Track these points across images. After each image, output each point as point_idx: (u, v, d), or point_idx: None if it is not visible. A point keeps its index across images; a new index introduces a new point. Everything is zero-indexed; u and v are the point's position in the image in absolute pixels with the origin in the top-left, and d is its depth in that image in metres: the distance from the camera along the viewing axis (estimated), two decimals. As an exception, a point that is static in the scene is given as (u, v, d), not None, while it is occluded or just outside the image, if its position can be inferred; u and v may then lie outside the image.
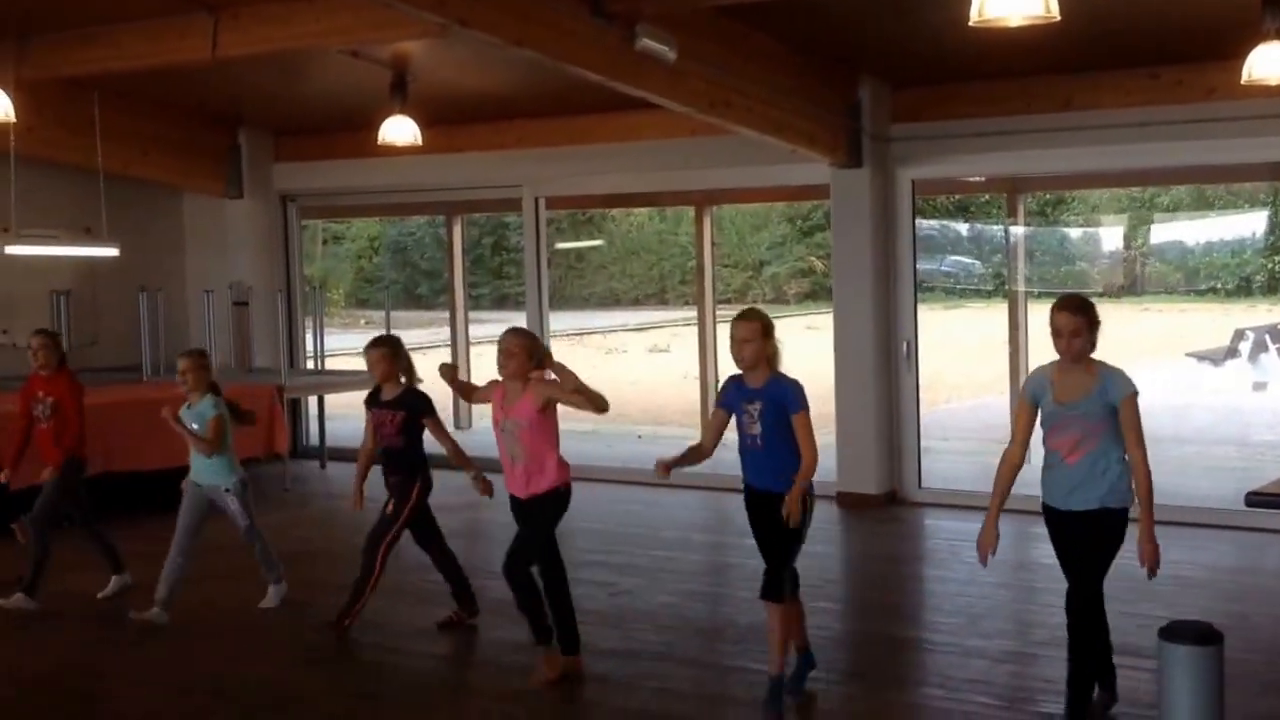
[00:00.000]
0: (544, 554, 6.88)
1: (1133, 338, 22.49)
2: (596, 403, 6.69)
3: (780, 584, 6.14)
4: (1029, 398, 5.79)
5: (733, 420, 6.22)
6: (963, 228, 27.81)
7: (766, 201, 22.24)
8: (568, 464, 6.87)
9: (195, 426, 7.88)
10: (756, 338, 6.02)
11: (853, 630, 7.95)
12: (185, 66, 10.28)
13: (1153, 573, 5.61)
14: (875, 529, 10.32)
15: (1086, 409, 5.61)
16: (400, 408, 7.58)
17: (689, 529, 10.78)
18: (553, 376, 6.75)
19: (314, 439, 14.36)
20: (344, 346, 20.36)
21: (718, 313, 15.05)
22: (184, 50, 9.79)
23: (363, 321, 29.94)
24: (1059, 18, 5.65)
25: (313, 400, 14.29)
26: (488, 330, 22.37)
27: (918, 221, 11.46)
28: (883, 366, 11.27)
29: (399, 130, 11.12)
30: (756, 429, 6.06)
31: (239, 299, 14.25)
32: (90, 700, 6.91)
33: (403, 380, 7.68)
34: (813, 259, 28.36)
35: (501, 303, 27.90)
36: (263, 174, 14.29)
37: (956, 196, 22.69)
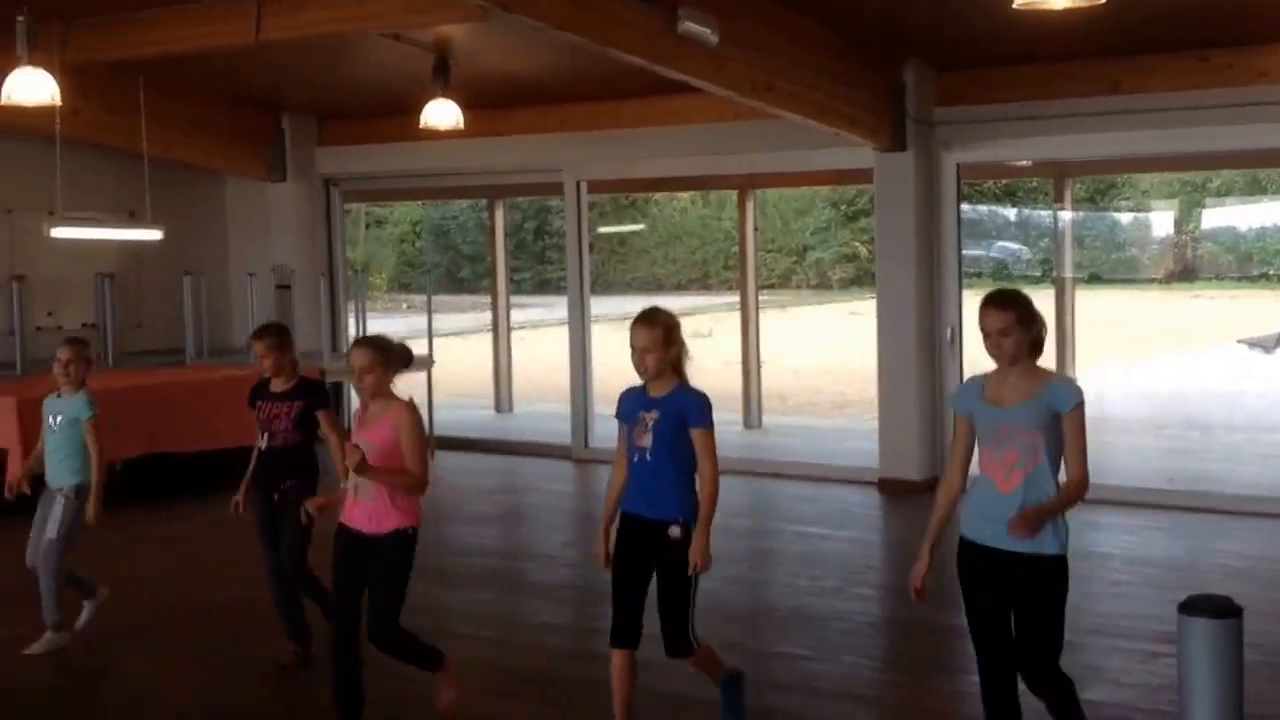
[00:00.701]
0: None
1: (1184, 324, 22.28)
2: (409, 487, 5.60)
3: (688, 634, 5.37)
4: (958, 409, 4.99)
5: None
6: (1010, 213, 27.63)
7: (810, 185, 22.16)
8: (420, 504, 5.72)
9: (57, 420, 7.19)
10: (657, 346, 5.23)
11: (894, 617, 7.90)
12: (229, 50, 10.30)
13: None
14: (917, 515, 10.21)
15: (1027, 414, 4.72)
16: (297, 398, 6.78)
17: (730, 515, 10.69)
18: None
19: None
20: (387, 331, 20.46)
21: (760, 298, 15.06)
22: (228, 34, 9.80)
23: (405, 305, 30.06)
24: (1103, 0, 5.58)
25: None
26: (529, 315, 22.51)
27: (964, 206, 11.37)
28: (926, 352, 11.20)
29: (441, 114, 11.13)
30: (646, 440, 5.24)
31: (281, 282, 14.32)
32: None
33: (296, 370, 6.90)
34: (857, 244, 28.22)
35: (543, 287, 27.89)
36: (305, 158, 14.33)
37: (1004, 181, 22.51)
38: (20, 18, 8.85)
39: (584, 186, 13.19)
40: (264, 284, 14.09)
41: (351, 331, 14.64)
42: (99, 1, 10.01)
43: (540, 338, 18.03)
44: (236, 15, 9.62)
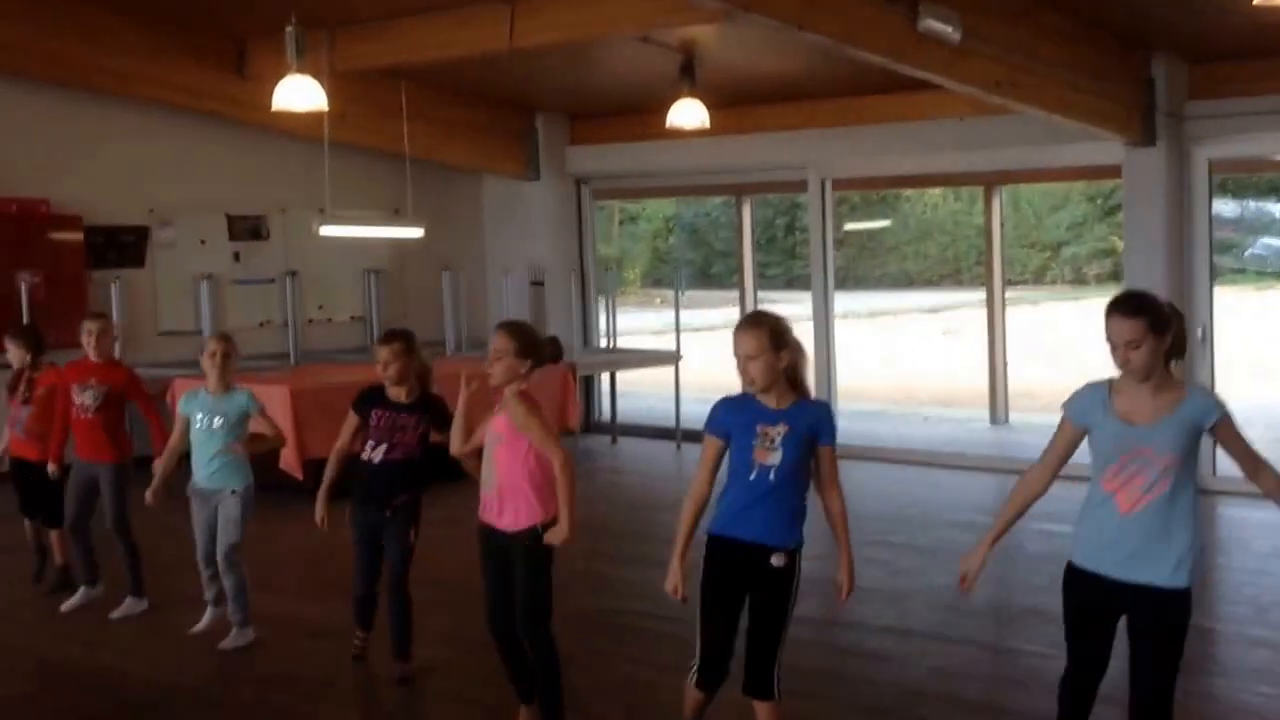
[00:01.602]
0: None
1: None
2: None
3: (773, 675, 4.82)
4: (1074, 417, 4.50)
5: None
6: (1277, 208, 26.43)
7: (1057, 181, 21.67)
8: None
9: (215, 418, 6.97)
10: (764, 351, 4.67)
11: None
12: (485, 55, 10.71)
13: None
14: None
15: (1163, 434, 4.29)
16: (422, 411, 6.41)
17: (973, 511, 10.66)
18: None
19: (605, 415, 14.77)
20: (639, 326, 20.85)
21: (1008, 295, 14.86)
22: (483, 40, 10.20)
23: (657, 300, 30.50)
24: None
25: (605, 377, 14.70)
26: (779, 311, 22.55)
27: (1227, 201, 11.02)
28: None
29: (687, 113, 11.33)
30: (774, 458, 4.67)
31: (535, 279, 14.78)
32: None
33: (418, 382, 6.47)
34: (1114, 238, 27.43)
35: (793, 283, 27.97)
36: (557, 157, 14.75)
37: (1268, 176, 21.60)
38: (290, 28, 9.35)
39: (828, 184, 13.23)
40: (518, 280, 14.56)
41: (603, 326, 15.02)
42: (361, 11, 10.55)
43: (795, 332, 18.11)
44: (490, 20, 10.01)
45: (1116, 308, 4.31)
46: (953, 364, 19.33)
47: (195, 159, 12.96)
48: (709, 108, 11.40)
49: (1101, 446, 4.41)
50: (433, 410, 6.38)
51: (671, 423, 13.65)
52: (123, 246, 12.63)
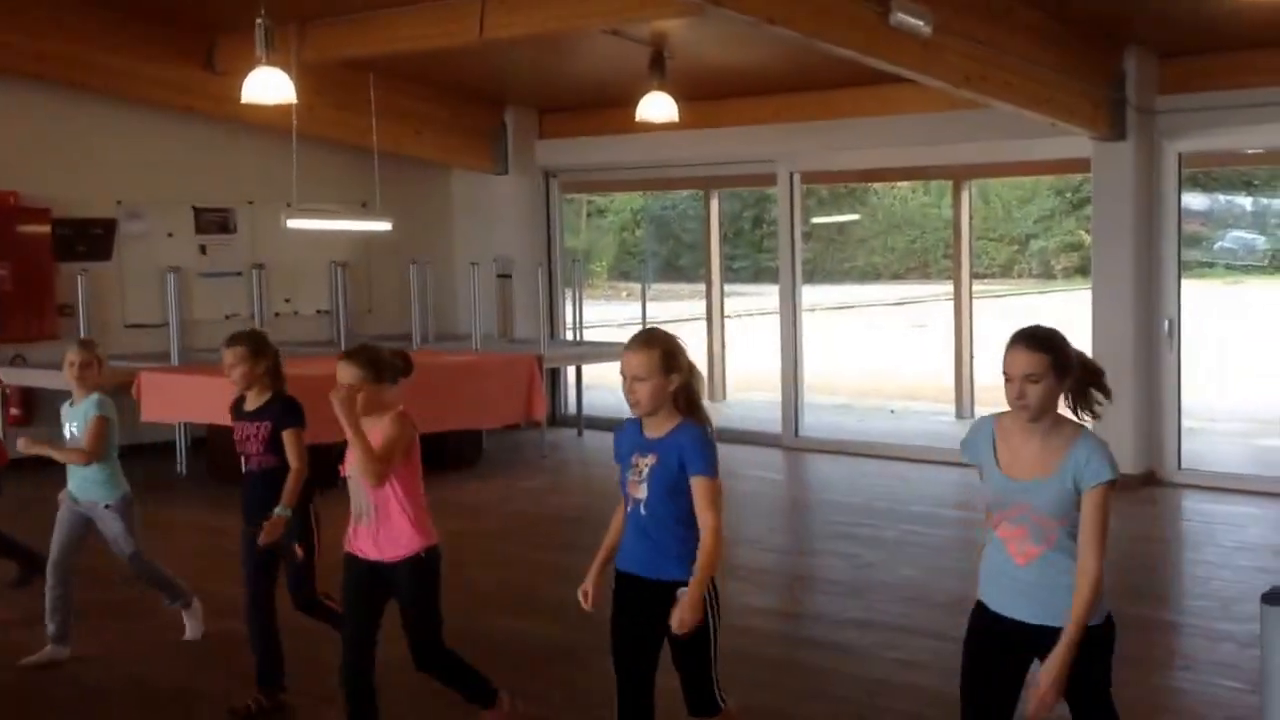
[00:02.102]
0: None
1: None
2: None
3: (714, 694, 4.51)
4: (969, 458, 4.19)
5: None
6: (1246, 201, 26.62)
7: (1026, 175, 21.76)
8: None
9: (75, 426, 6.65)
10: (653, 374, 4.31)
11: (1130, 613, 7.79)
12: (454, 48, 10.68)
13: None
14: (1131, 510, 10.07)
15: (1042, 497, 3.95)
16: (266, 417, 5.94)
17: (939, 504, 10.73)
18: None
19: (571, 407, 14.78)
20: (605, 318, 20.87)
21: (974, 288, 14.94)
22: (453, 33, 10.18)
23: (624, 294, 30.51)
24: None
25: (570, 370, 14.70)
26: (746, 304, 22.65)
27: (1196, 194, 11.08)
28: (1143, 344, 10.97)
29: (657, 107, 11.34)
30: (641, 491, 4.36)
31: (503, 271, 14.78)
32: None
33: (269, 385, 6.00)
34: (1081, 232, 27.62)
35: (760, 275, 28.04)
36: (526, 150, 14.73)
37: (1241, 169, 21.77)
38: (259, 20, 9.29)
39: (797, 177, 13.25)
40: (486, 273, 14.54)
41: (569, 319, 15.01)
42: (331, 4, 10.51)
43: (758, 326, 18.16)
44: (461, 14, 9.98)
45: (1020, 339, 3.98)
46: (920, 358, 19.40)
47: (163, 152, 12.93)
48: (678, 101, 11.41)
49: (988, 491, 4.12)
50: (281, 413, 5.90)
51: (638, 416, 13.61)
52: (91, 239, 12.58)
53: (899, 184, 28.66)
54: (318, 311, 14.17)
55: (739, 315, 20.30)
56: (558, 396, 14.94)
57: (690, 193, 23.80)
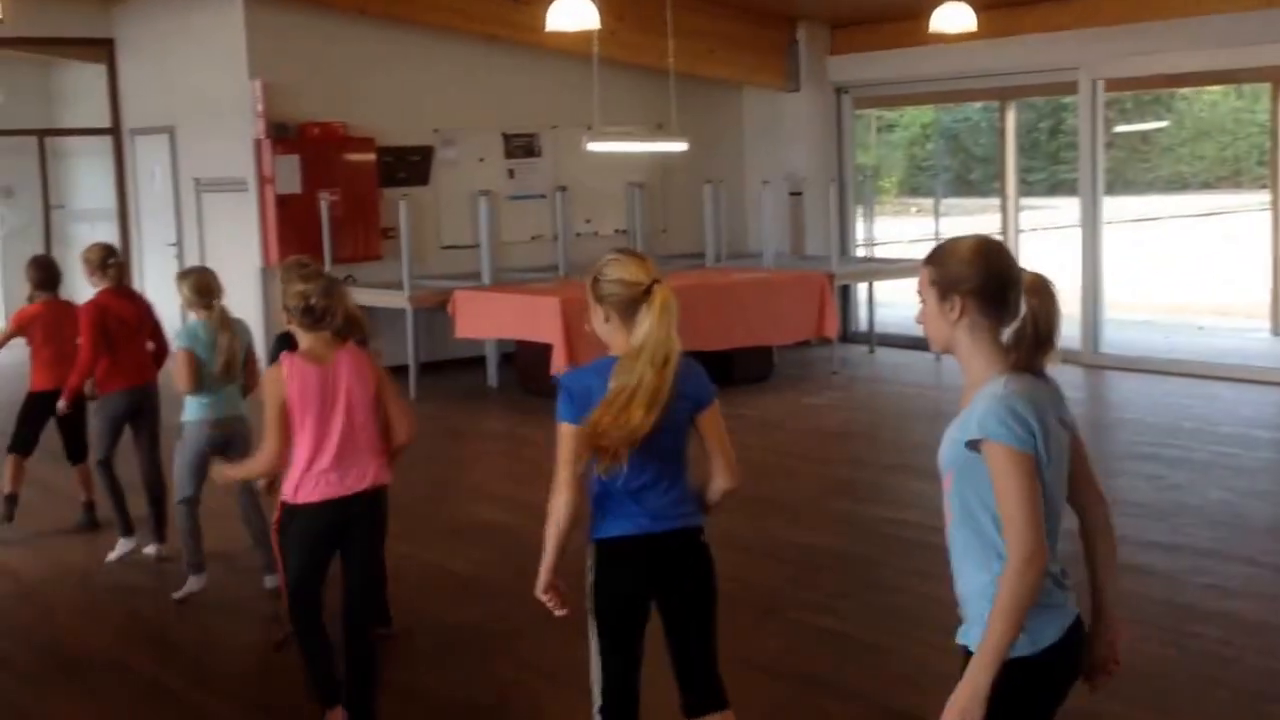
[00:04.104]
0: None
1: None
2: None
3: (719, 680, 3.96)
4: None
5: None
6: None
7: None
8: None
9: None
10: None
11: None
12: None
13: None
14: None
15: (945, 445, 3.05)
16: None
17: (1251, 424, 10.33)
18: None
19: (863, 324, 14.75)
20: (895, 234, 20.67)
21: (1293, 198, 14.20)
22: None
23: (913, 209, 30.06)
24: None
25: (862, 287, 14.67)
26: (1040, 217, 22.03)
27: None
28: None
29: (952, 17, 11.09)
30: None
31: (794, 189, 14.82)
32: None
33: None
34: None
35: (1056, 189, 27.19)
36: (818, 67, 14.68)
37: None
38: (564, -52, 9.58)
39: (1100, 85, 12.80)
40: (778, 191, 14.61)
41: (860, 235, 14.95)
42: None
43: (1054, 240, 17.72)
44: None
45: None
46: (1231, 272, 18.56)
47: (474, 81, 13.56)
48: (976, 9, 11.15)
49: None
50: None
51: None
52: (410, 165, 13.33)
53: (1209, 89, 27.27)
54: (615, 231, 14.52)
55: (1035, 229, 19.80)
56: (849, 313, 14.95)
57: (983, 105, 23.24)
